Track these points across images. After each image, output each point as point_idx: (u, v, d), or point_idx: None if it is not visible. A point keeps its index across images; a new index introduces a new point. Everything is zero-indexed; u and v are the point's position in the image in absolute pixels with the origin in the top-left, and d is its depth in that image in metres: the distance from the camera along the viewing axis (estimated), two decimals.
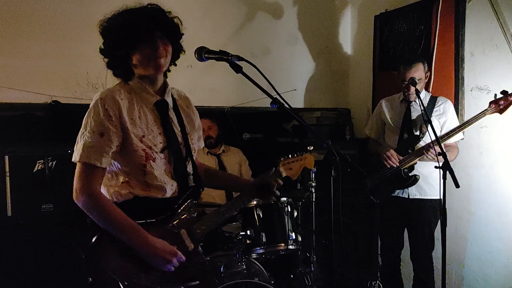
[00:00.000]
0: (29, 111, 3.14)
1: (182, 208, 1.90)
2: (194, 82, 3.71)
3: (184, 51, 1.95)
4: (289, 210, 2.93)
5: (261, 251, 2.82)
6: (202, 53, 1.84)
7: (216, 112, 3.78)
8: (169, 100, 1.93)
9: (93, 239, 1.76)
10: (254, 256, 2.83)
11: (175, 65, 1.98)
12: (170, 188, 1.88)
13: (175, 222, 1.87)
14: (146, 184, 1.83)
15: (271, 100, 1.81)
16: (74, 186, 1.76)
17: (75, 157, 1.77)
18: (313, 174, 3.13)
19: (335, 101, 4.57)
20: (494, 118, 3.17)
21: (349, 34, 4.62)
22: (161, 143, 1.86)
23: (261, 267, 2.80)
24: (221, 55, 1.81)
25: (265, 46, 4.17)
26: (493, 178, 3.31)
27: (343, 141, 4.18)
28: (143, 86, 1.85)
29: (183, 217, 1.89)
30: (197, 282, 1.87)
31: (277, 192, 2.07)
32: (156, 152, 1.84)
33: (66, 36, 3.27)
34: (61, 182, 2.86)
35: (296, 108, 4.29)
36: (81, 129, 1.79)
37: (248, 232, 2.68)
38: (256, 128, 3.86)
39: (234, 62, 1.79)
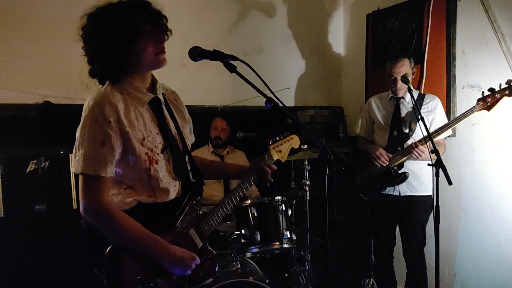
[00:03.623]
0: (21, 111, 3.13)
1: (187, 207, 1.88)
2: (188, 81, 3.71)
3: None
4: (284, 208, 2.94)
5: (256, 250, 2.82)
6: (196, 53, 1.83)
7: (233, 115, 3.80)
8: (161, 96, 1.86)
9: (108, 249, 1.68)
10: (249, 255, 2.84)
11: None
12: (173, 189, 1.83)
13: (183, 223, 1.85)
14: (151, 188, 1.77)
15: (264, 98, 1.81)
16: (81, 201, 1.67)
17: (76, 169, 1.67)
18: (307, 173, 3.14)
19: (328, 99, 4.59)
20: (485, 115, 3.19)
21: (342, 32, 4.63)
22: (160, 143, 1.79)
23: (256, 266, 2.81)
24: (215, 55, 1.80)
25: (258, 45, 4.17)
26: (484, 175, 3.33)
27: (336, 139, 4.20)
28: (134, 85, 1.75)
29: (189, 216, 1.88)
30: (211, 279, 1.89)
31: (271, 179, 2.08)
32: (158, 154, 1.77)
33: (58, 35, 3.24)
34: (54, 183, 2.85)
35: (289, 106, 4.31)
36: (78, 139, 1.67)
37: (243, 231, 2.68)
38: (249, 127, 3.86)
39: (228, 61, 1.78)
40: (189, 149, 1.97)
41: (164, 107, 1.87)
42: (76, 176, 2.82)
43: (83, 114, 1.70)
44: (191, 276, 1.81)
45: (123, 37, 1.65)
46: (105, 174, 1.66)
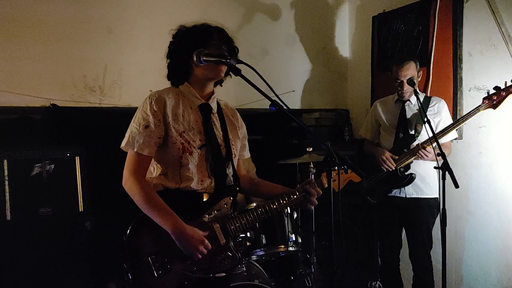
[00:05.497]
0: (26, 114, 3.13)
1: (217, 204, 1.99)
2: None
3: (231, 76, 2.07)
4: (289, 211, 2.93)
5: (261, 253, 2.81)
6: (201, 56, 1.84)
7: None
8: (213, 105, 2.08)
9: (130, 226, 1.89)
10: (254, 258, 2.83)
11: (221, 85, 2.14)
12: (200, 183, 1.98)
13: (209, 216, 1.97)
14: (180, 175, 1.97)
15: (269, 101, 1.80)
16: (124, 172, 1.94)
17: (123, 144, 1.96)
18: (313, 176, 3.13)
19: (333, 102, 4.58)
20: (492, 118, 3.18)
21: (347, 34, 4.62)
22: (200, 140, 1.99)
23: (261, 269, 2.81)
24: (220, 58, 1.82)
25: (263, 48, 4.16)
26: (492, 178, 3.31)
27: (342, 142, 4.18)
28: (191, 90, 2.02)
29: (217, 212, 1.99)
30: (224, 274, 1.96)
31: (316, 202, 2.09)
32: (194, 147, 1.97)
33: (63, 39, 3.26)
34: (60, 186, 2.85)
35: (294, 109, 4.30)
36: (131, 121, 1.98)
37: (248, 234, 2.67)
38: (254, 130, 3.84)
39: (232, 65, 1.78)
40: (234, 159, 2.11)
41: (215, 115, 2.08)
42: (82, 178, 2.90)
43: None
44: (206, 267, 1.91)
45: (191, 45, 1.93)
46: (143, 152, 1.92)
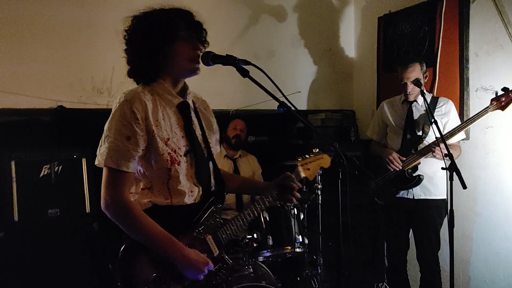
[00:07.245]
0: (34, 116, 3.16)
1: (207, 213, 1.86)
2: (198, 85, 3.65)
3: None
4: (296, 212, 2.94)
5: (268, 254, 2.82)
6: (209, 58, 1.82)
7: (245, 119, 3.81)
8: (190, 102, 1.89)
9: (121, 249, 1.71)
10: (261, 259, 2.84)
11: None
12: (191, 194, 1.82)
13: (200, 228, 1.84)
14: (168, 189, 1.77)
15: (275, 102, 1.80)
16: (102, 195, 1.68)
17: (99, 161, 1.69)
18: (319, 177, 3.13)
19: (339, 102, 4.58)
20: (499, 118, 3.16)
21: (353, 35, 4.62)
22: (184, 146, 1.80)
23: (268, 270, 2.81)
24: (228, 60, 1.79)
25: (269, 49, 4.17)
26: (499, 179, 3.29)
27: (348, 142, 4.17)
28: (166, 88, 1.80)
29: (208, 222, 1.86)
30: None
31: (298, 194, 2.01)
32: (180, 156, 1.78)
33: (71, 41, 3.28)
34: (67, 187, 2.87)
35: (300, 110, 4.29)
36: (105, 132, 1.71)
37: (255, 235, 2.67)
38: (261, 130, 3.86)
39: (241, 66, 1.77)
40: (214, 157, 1.95)
41: (192, 113, 1.89)
42: (89, 180, 2.92)
43: (113, 109, 1.72)
44: (204, 283, 1.80)
45: (160, 39, 1.72)
46: (127, 169, 1.67)
